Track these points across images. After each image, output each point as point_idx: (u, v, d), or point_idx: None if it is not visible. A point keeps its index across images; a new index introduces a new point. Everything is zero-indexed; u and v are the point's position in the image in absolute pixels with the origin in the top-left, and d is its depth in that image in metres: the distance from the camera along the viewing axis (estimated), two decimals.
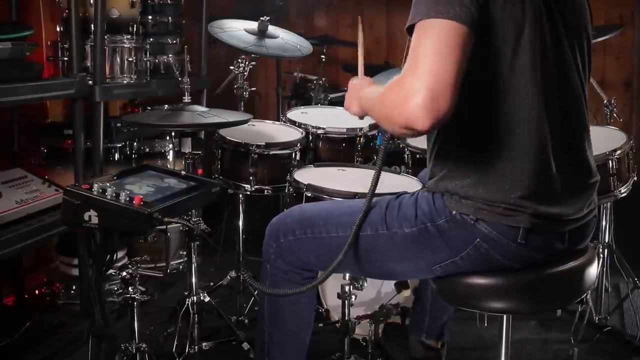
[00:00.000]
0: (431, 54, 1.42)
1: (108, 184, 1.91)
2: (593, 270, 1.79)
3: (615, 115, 2.95)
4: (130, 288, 2.04)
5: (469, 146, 1.63)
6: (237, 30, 2.99)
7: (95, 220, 1.82)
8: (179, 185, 2.07)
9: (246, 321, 2.99)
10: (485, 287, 1.70)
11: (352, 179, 2.49)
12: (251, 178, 2.73)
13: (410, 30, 1.52)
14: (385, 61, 4.79)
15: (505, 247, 1.63)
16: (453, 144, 1.66)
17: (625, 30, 4.73)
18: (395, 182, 2.43)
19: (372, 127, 2.96)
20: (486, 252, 1.64)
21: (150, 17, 3.51)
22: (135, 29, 3.24)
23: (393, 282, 2.60)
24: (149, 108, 3.64)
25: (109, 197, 1.82)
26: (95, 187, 1.85)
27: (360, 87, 1.92)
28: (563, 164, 1.64)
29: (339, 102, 4.36)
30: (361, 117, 1.97)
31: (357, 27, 2.18)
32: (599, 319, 2.97)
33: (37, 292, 3.33)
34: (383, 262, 1.80)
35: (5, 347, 2.73)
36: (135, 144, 3.50)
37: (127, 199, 1.81)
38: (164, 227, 1.91)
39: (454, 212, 1.65)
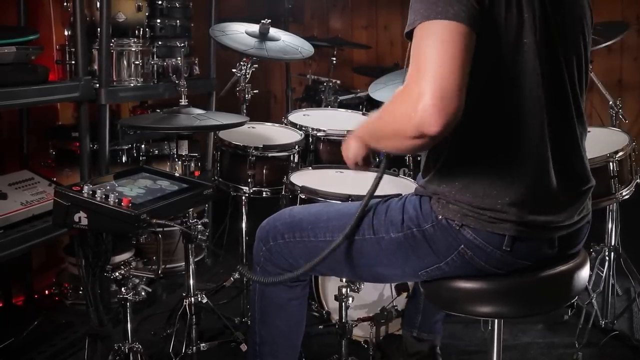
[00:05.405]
0: (434, 56, 1.40)
1: (99, 186, 1.94)
2: (584, 274, 1.76)
3: (621, 116, 2.91)
4: (123, 289, 2.06)
5: (460, 150, 1.61)
6: (238, 33, 3.00)
7: (84, 221, 1.84)
8: (171, 187, 2.09)
9: (249, 322, 2.99)
10: (472, 291, 1.69)
11: (349, 181, 2.49)
12: (249, 180, 2.75)
13: (410, 35, 1.49)
14: (395, 63, 4.78)
15: (489, 255, 1.61)
16: (445, 147, 1.63)
17: None
18: (391, 184, 2.43)
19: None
20: (470, 258, 1.62)
21: (158, 20, 3.56)
22: (142, 33, 3.29)
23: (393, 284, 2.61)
24: (158, 110, 3.68)
25: (98, 198, 1.84)
26: (86, 188, 1.87)
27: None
28: (555, 171, 1.62)
29: (349, 105, 4.38)
30: (365, 162, 1.81)
31: None
32: (605, 323, 2.92)
33: (46, 292, 3.39)
34: (371, 266, 1.79)
35: (12, 346, 2.78)
36: (143, 146, 3.53)
37: (116, 200, 1.83)
38: (161, 228, 1.92)
39: (440, 217, 1.63)
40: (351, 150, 1.81)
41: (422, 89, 1.38)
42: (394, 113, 1.50)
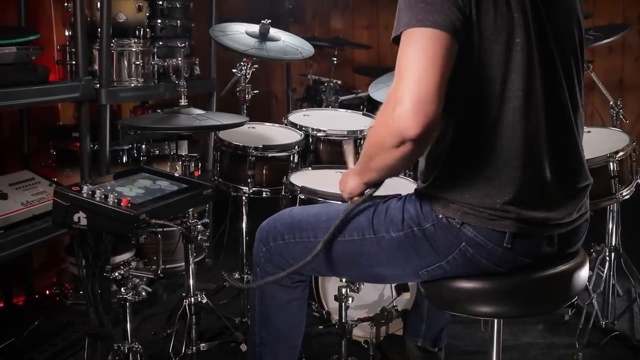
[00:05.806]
0: (413, 63, 1.45)
1: (99, 186, 1.94)
2: (583, 274, 1.77)
3: (621, 117, 2.91)
4: (123, 289, 2.06)
5: (457, 154, 1.63)
6: (239, 33, 3.00)
7: (84, 221, 1.84)
8: (170, 188, 2.09)
9: (249, 323, 2.99)
10: (473, 291, 1.69)
11: None
12: (249, 180, 2.75)
13: (396, 40, 1.53)
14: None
15: (490, 252, 1.62)
16: (442, 149, 1.65)
17: None
18: (391, 184, 2.42)
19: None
20: (472, 256, 1.63)
21: (159, 20, 3.56)
22: (142, 33, 3.29)
23: (393, 284, 2.60)
24: (159, 111, 3.68)
25: (97, 199, 1.84)
26: (85, 189, 1.87)
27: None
28: (553, 169, 1.63)
29: (350, 105, 4.38)
30: (363, 192, 1.81)
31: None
32: (605, 323, 2.92)
33: (47, 292, 3.39)
34: (371, 266, 1.80)
35: (13, 346, 2.79)
36: (143, 146, 3.54)
37: (115, 200, 1.83)
38: (161, 228, 1.92)
39: (441, 216, 1.64)
40: (348, 185, 1.84)
41: (399, 95, 1.43)
42: (375, 126, 1.56)
